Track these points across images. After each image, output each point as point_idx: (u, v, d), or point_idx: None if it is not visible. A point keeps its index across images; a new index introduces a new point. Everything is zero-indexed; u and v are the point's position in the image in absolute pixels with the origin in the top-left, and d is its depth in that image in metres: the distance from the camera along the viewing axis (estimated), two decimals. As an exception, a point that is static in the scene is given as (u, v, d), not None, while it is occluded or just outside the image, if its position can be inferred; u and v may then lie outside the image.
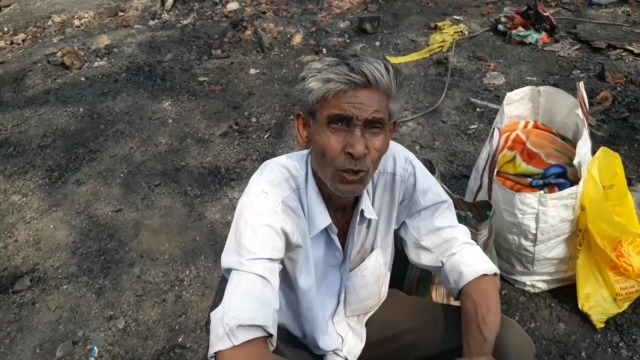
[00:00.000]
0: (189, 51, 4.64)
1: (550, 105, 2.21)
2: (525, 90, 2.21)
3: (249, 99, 3.77)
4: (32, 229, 2.66)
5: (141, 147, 3.27)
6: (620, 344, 1.86)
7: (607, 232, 1.82)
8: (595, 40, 4.18)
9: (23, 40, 5.47)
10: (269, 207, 1.11)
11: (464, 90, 3.66)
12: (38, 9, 6.54)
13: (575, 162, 1.88)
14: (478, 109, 3.41)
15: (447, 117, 3.37)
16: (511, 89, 2.28)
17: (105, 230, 2.61)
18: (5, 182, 3.05)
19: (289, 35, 4.74)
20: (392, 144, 1.22)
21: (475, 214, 1.74)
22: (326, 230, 1.20)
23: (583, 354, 1.84)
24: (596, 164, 1.91)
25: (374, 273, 1.32)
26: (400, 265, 1.61)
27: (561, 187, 1.96)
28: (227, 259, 1.08)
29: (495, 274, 1.25)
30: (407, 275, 1.73)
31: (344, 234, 1.25)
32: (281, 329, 1.26)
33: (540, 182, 2.03)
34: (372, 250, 1.32)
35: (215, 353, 0.97)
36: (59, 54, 4.51)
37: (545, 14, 4.33)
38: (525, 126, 2.26)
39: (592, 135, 2.28)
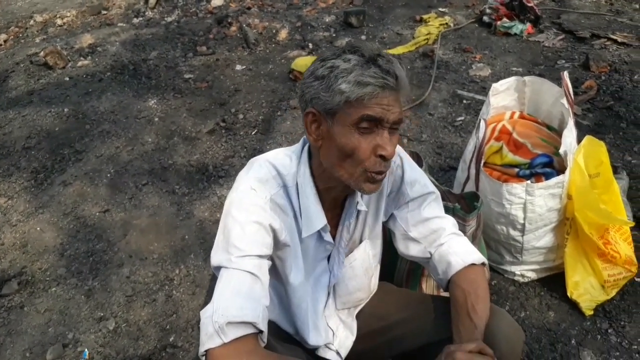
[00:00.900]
0: (174, 48, 4.59)
1: (536, 95, 2.22)
2: (511, 80, 2.22)
3: (235, 96, 3.75)
4: (19, 231, 2.63)
5: (127, 146, 3.24)
6: (609, 330, 1.88)
7: (593, 220, 1.84)
8: (579, 30, 4.21)
9: (5, 41, 5.38)
10: (257, 204, 1.10)
11: (450, 83, 3.67)
12: (19, 8, 6.43)
13: (561, 151, 1.89)
14: (465, 101, 3.43)
15: (434, 110, 3.38)
16: (497, 80, 2.28)
17: (93, 231, 2.59)
18: (-10, 185, 3.01)
19: (274, 31, 4.71)
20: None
21: (463, 205, 1.75)
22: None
23: (573, 341, 1.86)
24: (582, 153, 1.92)
25: (362, 264, 1.33)
26: (391, 258, 1.61)
27: (548, 176, 1.97)
28: (216, 257, 1.08)
29: (483, 264, 1.26)
30: (397, 268, 1.74)
31: (334, 227, 1.25)
32: (272, 324, 1.26)
33: (527, 172, 2.05)
34: (360, 241, 1.32)
35: (205, 351, 0.96)
36: (42, 54, 4.44)
37: (530, 4, 4.36)
38: (512, 116, 2.28)
39: (578, 124, 2.30)
